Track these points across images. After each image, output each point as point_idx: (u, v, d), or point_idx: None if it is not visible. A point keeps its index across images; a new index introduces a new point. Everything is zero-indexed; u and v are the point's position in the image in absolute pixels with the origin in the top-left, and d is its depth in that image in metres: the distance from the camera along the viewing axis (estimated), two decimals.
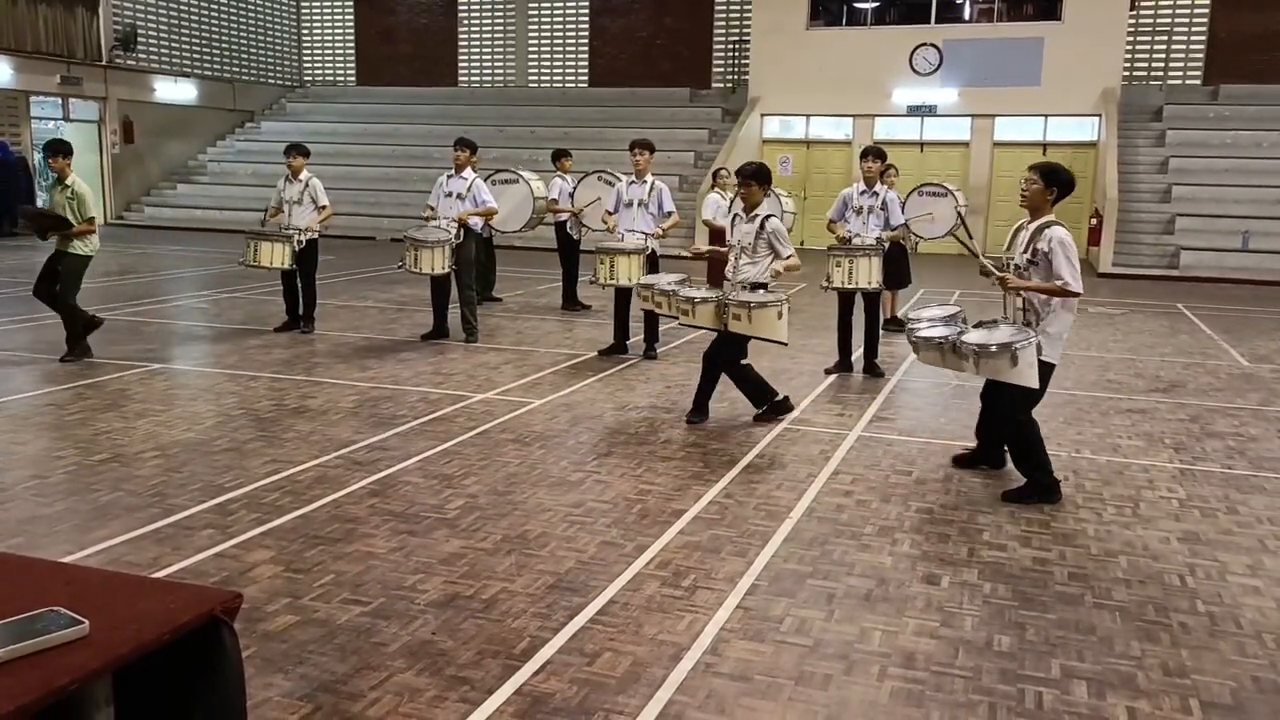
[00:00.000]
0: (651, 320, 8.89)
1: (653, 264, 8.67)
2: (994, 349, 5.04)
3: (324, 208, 9.66)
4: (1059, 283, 5.04)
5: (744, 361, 6.74)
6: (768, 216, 6.68)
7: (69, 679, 1.69)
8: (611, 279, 8.56)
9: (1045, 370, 5.14)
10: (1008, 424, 5.35)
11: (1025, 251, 5.21)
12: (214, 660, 1.92)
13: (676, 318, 6.83)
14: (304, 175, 9.61)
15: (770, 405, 6.81)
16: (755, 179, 6.65)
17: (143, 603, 1.93)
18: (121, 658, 1.76)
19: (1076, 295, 5.11)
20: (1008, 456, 5.67)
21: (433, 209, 9.53)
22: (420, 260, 9.09)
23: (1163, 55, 21.53)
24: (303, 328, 9.77)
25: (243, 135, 25.85)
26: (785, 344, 6.75)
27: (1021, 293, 5.21)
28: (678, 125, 23.19)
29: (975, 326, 5.44)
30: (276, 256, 9.46)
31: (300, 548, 4.41)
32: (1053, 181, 5.20)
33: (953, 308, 5.88)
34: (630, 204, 8.82)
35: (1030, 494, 5.26)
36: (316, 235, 9.69)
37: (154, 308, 11.39)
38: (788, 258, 6.64)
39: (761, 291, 6.58)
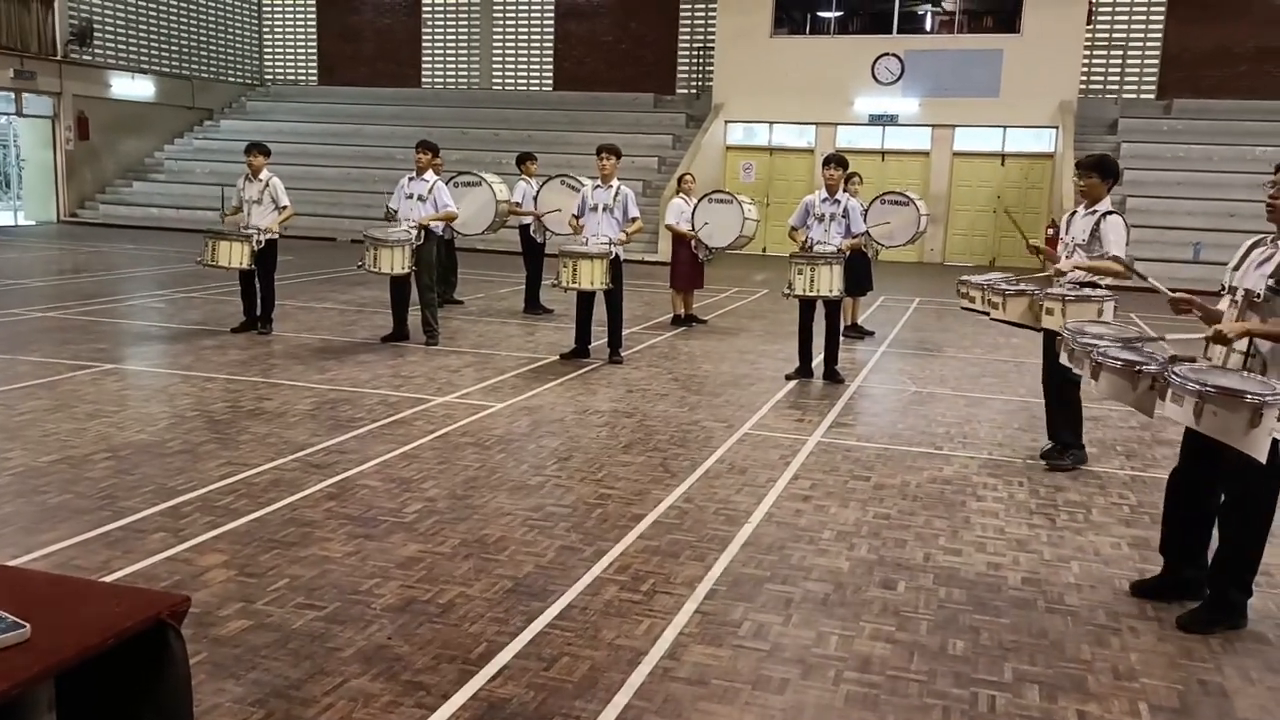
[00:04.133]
0: (615, 324, 8.89)
1: (616, 268, 8.67)
2: (1234, 396, 3.52)
3: (284, 208, 9.58)
4: None
5: (1077, 392, 5.95)
6: (1107, 213, 5.84)
7: (9, 684, 1.65)
8: (574, 283, 8.54)
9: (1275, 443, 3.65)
10: (1233, 508, 3.95)
11: (1272, 276, 3.81)
12: (160, 665, 1.89)
13: (987, 313, 6.38)
14: (264, 175, 9.51)
15: (1070, 455, 6.02)
16: (1098, 170, 5.87)
17: (87, 607, 1.89)
18: (64, 662, 1.73)
19: None
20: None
21: (394, 210, 9.48)
22: (379, 260, 9.02)
23: (1118, 69, 21.94)
24: (260, 329, 9.65)
25: (201, 133, 25.50)
26: None
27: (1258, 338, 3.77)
28: (642, 130, 23.23)
29: (1173, 360, 4.03)
30: (235, 256, 9.34)
31: (254, 551, 4.35)
32: None
33: (1129, 329, 4.87)
34: (596, 208, 8.81)
35: (1217, 619, 3.94)
36: (276, 236, 9.60)
37: (107, 307, 11.19)
38: (1112, 258, 5.65)
39: (1087, 289, 5.79)
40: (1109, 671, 3.58)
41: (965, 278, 6.86)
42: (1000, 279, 6.51)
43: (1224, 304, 4.06)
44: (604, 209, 8.76)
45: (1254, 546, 3.94)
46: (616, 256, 8.70)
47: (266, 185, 9.48)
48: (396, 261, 9.02)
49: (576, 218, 8.97)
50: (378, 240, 9.02)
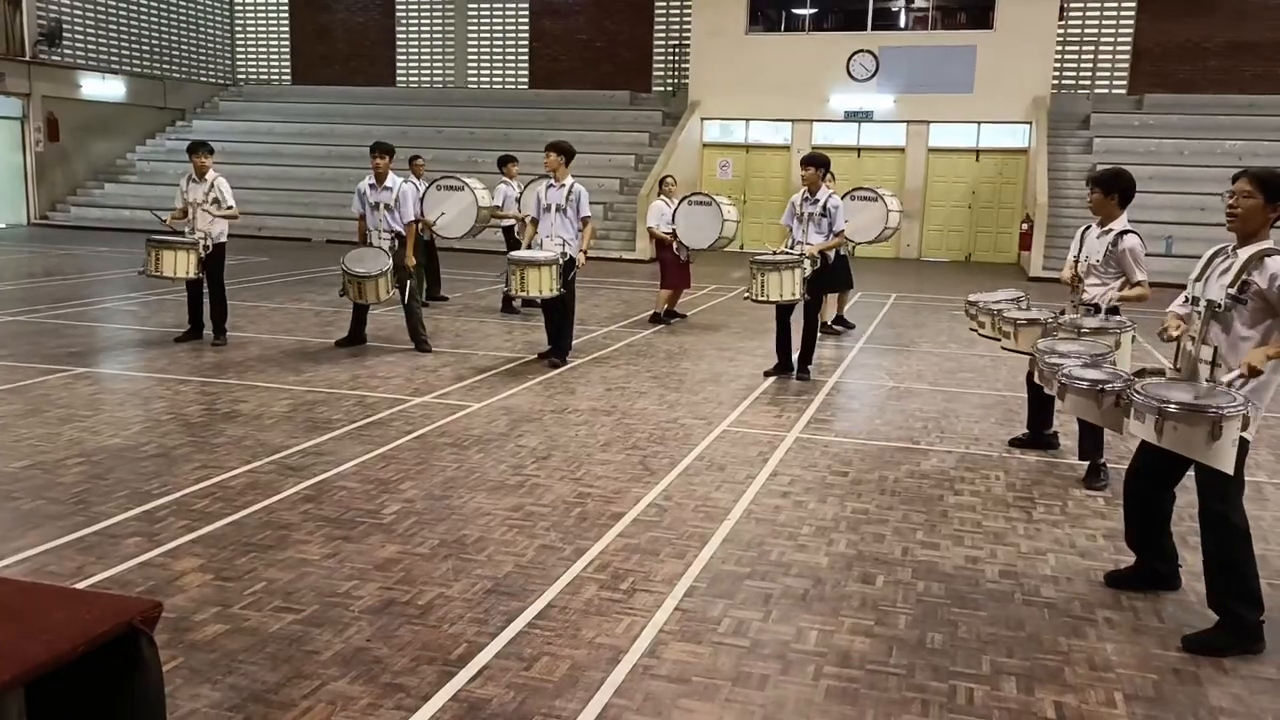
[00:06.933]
0: (560, 327, 8.62)
1: (569, 271, 8.46)
2: (1194, 411, 3.55)
3: (230, 208, 9.07)
4: None
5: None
6: (1124, 232, 5.53)
7: None
8: (522, 290, 8.36)
9: (1241, 450, 3.67)
10: (1205, 521, 3.80)
11: (1232, 285, 3.82)
12: (132, 671, 1.87)
13: (998, 339, 6.14)
14: (210, 175, 8.97)
15: (1090, 469, 5.78)
16: (1108, 186, 5.58)
17: (57, 613, 1.87)
18: (34, 669, 1.71)
19: None
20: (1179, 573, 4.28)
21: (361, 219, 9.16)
22: (365, 291, 8.72)
23: (1090, 65, 22.12)
24: (215, 340, 9.11)
25: (174, 134, 25.24)
26: None
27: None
28: (618, 128, 23.21)
29: (1139, 374, 4.19)
30: (181, 266, 8.83)
31: (230, 555, 4.32)
32: (1277, 194, 3.81)
33: (1100, 345, 4.92)
34: (550, 209, 8.59)
35: (1226, 642, 3.73)
36: (224, 240, 9.10)
37: (79, 310, 11.07)
38: (1136, 284, 5.51)
39: (1104, 317, 5.49)
40: (1085, 662, 3.61)
41: (974, 298, 6.59)
42: (1009, 302, 6.29)
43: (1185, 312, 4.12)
44: (557, 209, 8.56)
45: (1241, 556, 3.77)
46: (571, 259, 8.51)
47: (212, 186, 8.95)
48: (382, 290, 8.75)
49: (533, 221, 8.76)
50: (361, 276, 8.65)
